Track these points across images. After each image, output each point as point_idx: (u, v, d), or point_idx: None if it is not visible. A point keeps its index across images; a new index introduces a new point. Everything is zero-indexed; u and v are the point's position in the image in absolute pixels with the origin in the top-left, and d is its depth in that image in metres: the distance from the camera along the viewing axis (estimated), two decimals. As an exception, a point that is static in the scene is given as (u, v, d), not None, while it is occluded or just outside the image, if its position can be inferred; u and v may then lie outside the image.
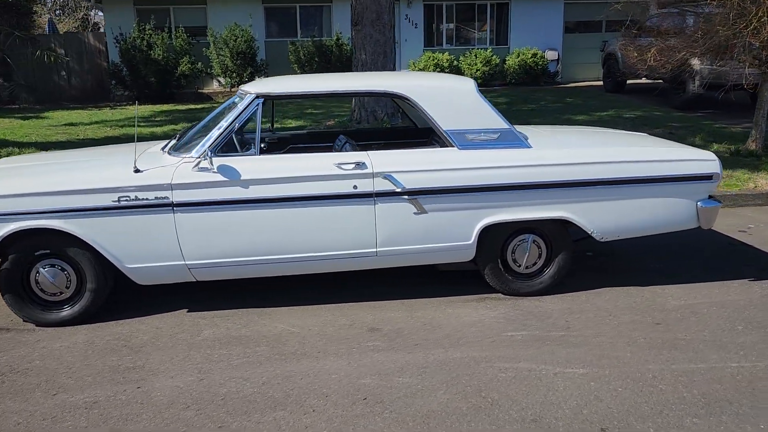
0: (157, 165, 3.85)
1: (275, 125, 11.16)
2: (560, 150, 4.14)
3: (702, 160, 4.16)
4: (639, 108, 12.50)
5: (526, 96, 14.78)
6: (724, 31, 6.90)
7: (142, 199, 3.74)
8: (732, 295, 4.20)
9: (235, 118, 3.92)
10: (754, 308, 3.98)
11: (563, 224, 4.13)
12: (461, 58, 17.55)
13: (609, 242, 4.26)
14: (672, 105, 12.38)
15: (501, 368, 3.27)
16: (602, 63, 15.66)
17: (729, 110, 11.60)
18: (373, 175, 3.86)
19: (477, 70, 17.22)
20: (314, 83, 4.44)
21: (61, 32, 22.77)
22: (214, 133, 3.88)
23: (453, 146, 3.99)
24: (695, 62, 10.17)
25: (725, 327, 3.73)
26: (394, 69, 10.48)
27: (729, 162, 7.67)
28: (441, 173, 3.92)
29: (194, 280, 3.94)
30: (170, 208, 3.76)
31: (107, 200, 3.72)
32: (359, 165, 3.87)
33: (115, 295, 4.13)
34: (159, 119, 12.54)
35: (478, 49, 17.84)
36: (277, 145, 5.06)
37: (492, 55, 17.47)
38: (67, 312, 3.88)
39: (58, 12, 32.04)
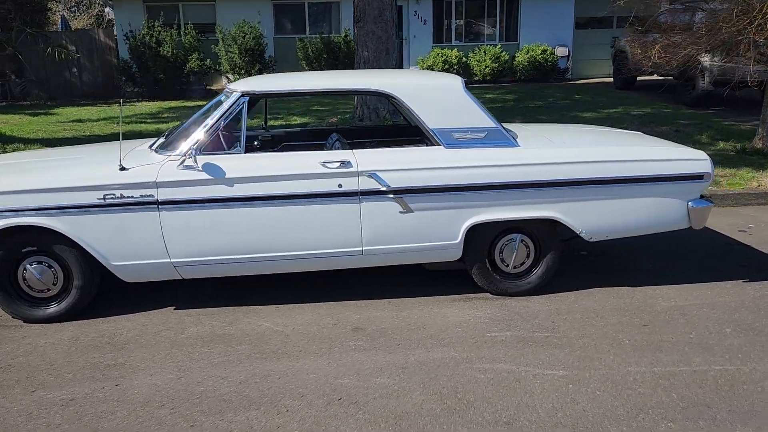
0: (143, 163, 3.86)
1: (281, 122, 11.21)
2: (548, 149, 4.10)
3: (693, 159, 4.09)
4: (648, 105, 12.36)
5: (535, 93, 14.68)
6: (728, 27, 6.79)
7: (128, 197, 3.76)
8: (724, 296, 4.14)
9: (221, 116, 3.93)
10: (745, 310, 3.92)
11: (551, 224, 4.09)
12: (470, 54, 17.47)
13: (603, 242, 4.21)
14: (682, 102, 12.24)
15: (480, 369, 3.25)
16: (612, 59, 15.50)
17: (740, 107, 11.45)
18: (358, 174, 3.85)
19: (486, 67, 17.14)
20: (300, 81, 4.43)
21: (75, 29, 22.97)
22: (200, 131, 3.90)
23: (439, 145, 3.96)
24: (705, 59, 10.03)
25: (713, 329, 3.67)
26: (396, 66, 10.44)
27: (734, 160, 7.57)
28: (427, 172, 3.90)
29: (180, 278, 3.96)
30: (155, 206, 3.77)
31: (93, 198, 3.74)
32: (344, 163, 3.85)
33: (107, 292, 4.15)
34: (166, 116, 12.61)
35: (487, 45, 17.74)
36: (271, 143, 5.07)
37: (501, 52, 17.37)
38: (54, 309, 3.91)
39: (73, 9, 32.30)
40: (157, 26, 15.97)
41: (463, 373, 3.21)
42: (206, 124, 3.91)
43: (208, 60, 16.25)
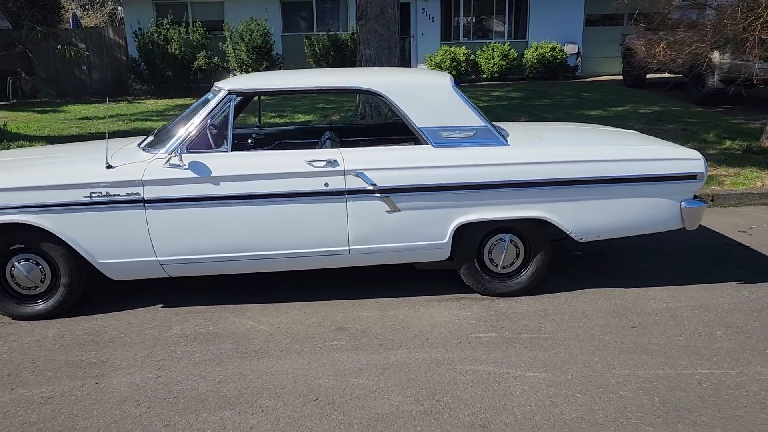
0: (130, 161, 3.86)
1: (285, 119, 11.20)
2: (537, 148, 4.05)
3: (686, 159, 4.02)
4: (657, 103, 12.22)
5: (542, 90, 14.56)
6: (733, 24, 6.68)
7: (114, 195, 3.76)
8: (717, 298, 4.07)
9: (207, 114, 3.92)
10: (737, 312, 3.85)
11: (541, 224, 4.04)
12: (478, 52, 17.36)
13: (598, 242, 4.16)
14: (692, 100, 12.08)
15: (461, 371, 3.21)
16: (622, 57, 15.33)
17: (751, 105, 11.27)
18: (344, 173, 3.82)
19: (494, 65, 17.03)
20: (288, 80, 4.40)
21: (85, 27, 23.14)
22: (187, 129, 3.89)
23: (427, 144, 3.93)
24: (714, 56, 9.88)
25: (703, 332, 3.61)
26: (402, 64, 10.39)
27: (739, 159, 7.45)
28: (414, 171, 3.86)
29: (167, 276, 3.96)
30: (141, 204, 3.77)
31: (79, 196, 3.75)
32: (331, 162, 3.83)
33: (96, 288, 4.16)
34: (172, 113, 12.64)
35: (495, 42, 17.62)
36: (264, 141, 5.05)
37: (510, 49, 17.25)
38: (41, 306, 3.92)
39: (87, 7, 32.54)
40: (166, 24, 16.06)
41: (443, 375, 3.18)
42: (193, 122, 3.90)
43: (216, 58, 16.31)
